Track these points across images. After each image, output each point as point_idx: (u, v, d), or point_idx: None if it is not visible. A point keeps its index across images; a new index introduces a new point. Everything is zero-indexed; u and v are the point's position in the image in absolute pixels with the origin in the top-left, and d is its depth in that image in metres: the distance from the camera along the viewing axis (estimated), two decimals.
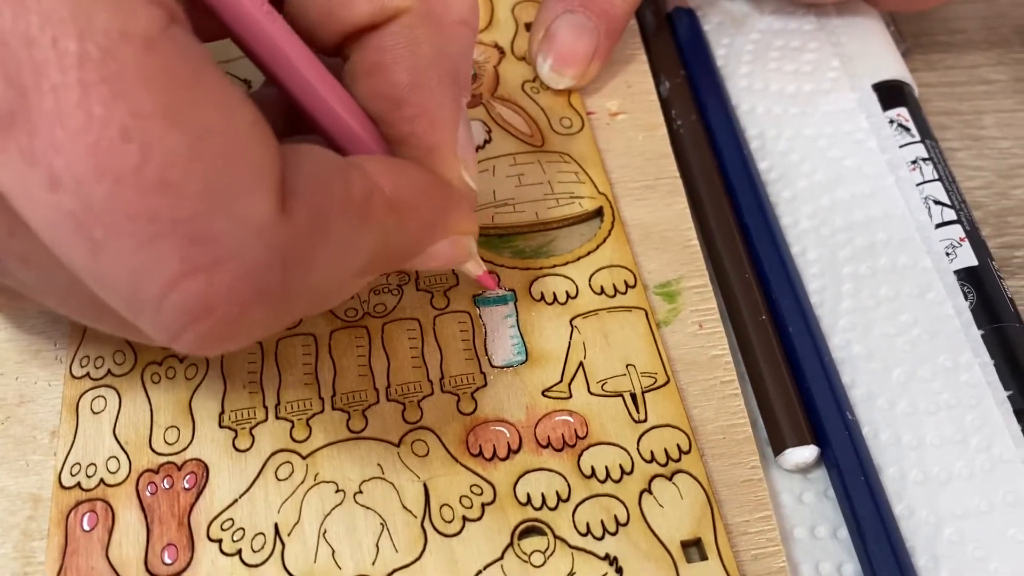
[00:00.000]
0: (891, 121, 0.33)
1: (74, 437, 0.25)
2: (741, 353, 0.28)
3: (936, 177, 0.32)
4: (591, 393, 0.26)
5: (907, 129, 0.33)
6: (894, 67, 0.35)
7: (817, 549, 0.25)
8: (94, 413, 0.25)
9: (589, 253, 0.28)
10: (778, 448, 0.26)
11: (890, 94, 0.34)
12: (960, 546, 0.25)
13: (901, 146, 0.33)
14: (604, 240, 0.29)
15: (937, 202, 0.31)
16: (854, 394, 0.28)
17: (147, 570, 0.23)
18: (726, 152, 0.32)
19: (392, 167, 0.21)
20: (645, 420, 0.25)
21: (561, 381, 0.26)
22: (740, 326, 0.29)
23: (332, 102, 0.21)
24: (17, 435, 0.25)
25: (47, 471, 0.24)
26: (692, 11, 0.37)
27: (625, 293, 0.28)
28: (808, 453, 0.26)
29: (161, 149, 0.15)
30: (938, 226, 0.31)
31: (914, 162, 0.32)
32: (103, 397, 0.25)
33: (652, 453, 0.25)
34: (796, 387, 0.27)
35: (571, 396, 0.26)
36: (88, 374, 0.26)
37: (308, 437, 0.25)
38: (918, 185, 0.32)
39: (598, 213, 0.30)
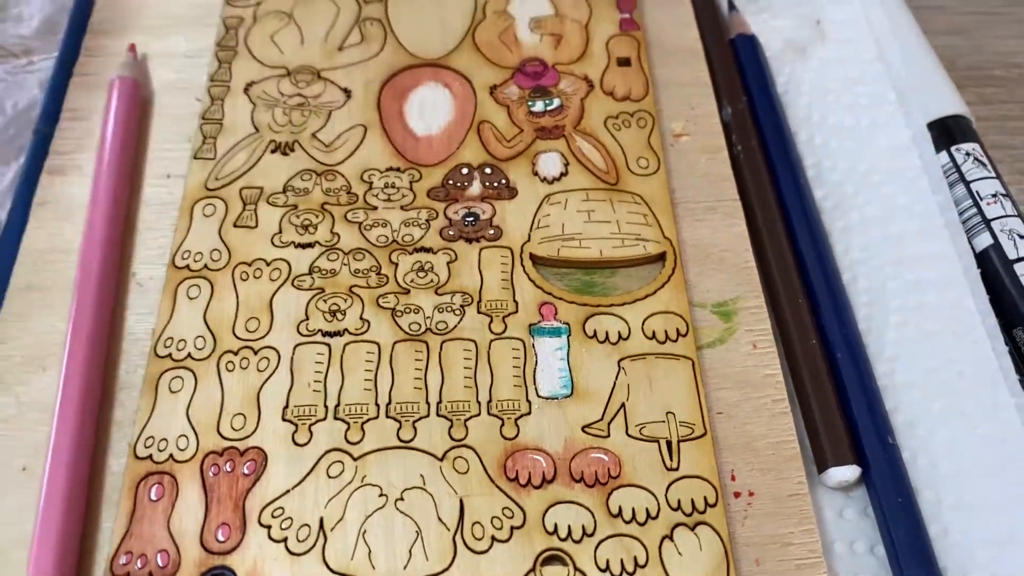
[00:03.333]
0: (968, 155, 0.34)
1: (151, 412, 0.27)
2: (791, 374, 0.29)
3: (1016, 212, 0.32)
4: (629, 435, 0.27)
5: (983, 163, 0.33)
6: (953, 102, 0.35)
7: (855, 563, 0.27)
8: (171, 392, 0.27)
9: (646, 296, 0.30)
10: (822, 466, 0.27)
11: (958, 129, 0.35)
12: (990, 569, 0.26)
13: (976, 179, 0.33)
14: (663, 285, 0.30)
15: (1022, 236, 0.32)
16: (896, 420, 0.29)
17: (202, 544, 0.25)
18: (783, 179, 0.33)
19: None
20: (677, 469, 0.26)
21: (601, 419, 0.27)
22: (791, 348, 0.30)
23: None
24: (120, 420, 0.28)
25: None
26: (754, 38, 0.37)
27: (676, 341, 0.29)
28: (850, 473, 0.27)
29: None
30: (1015, 261, 0.31)
31: (994, 195, 0.33)
32: (181, 378, 0.28)
33: (679, 502, 0.26)
34: (841, 410, 0.28)
35: (609, 435, 0.27)
36: (170, 355, 0.28)
37: (361, 440, 0.27)
38: (998, 219, 0.32)
39: (661, 257, 0.31)
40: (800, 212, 0.32)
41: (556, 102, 0.34)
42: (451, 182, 0.32)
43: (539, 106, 0.34)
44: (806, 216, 0.32)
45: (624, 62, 0.35)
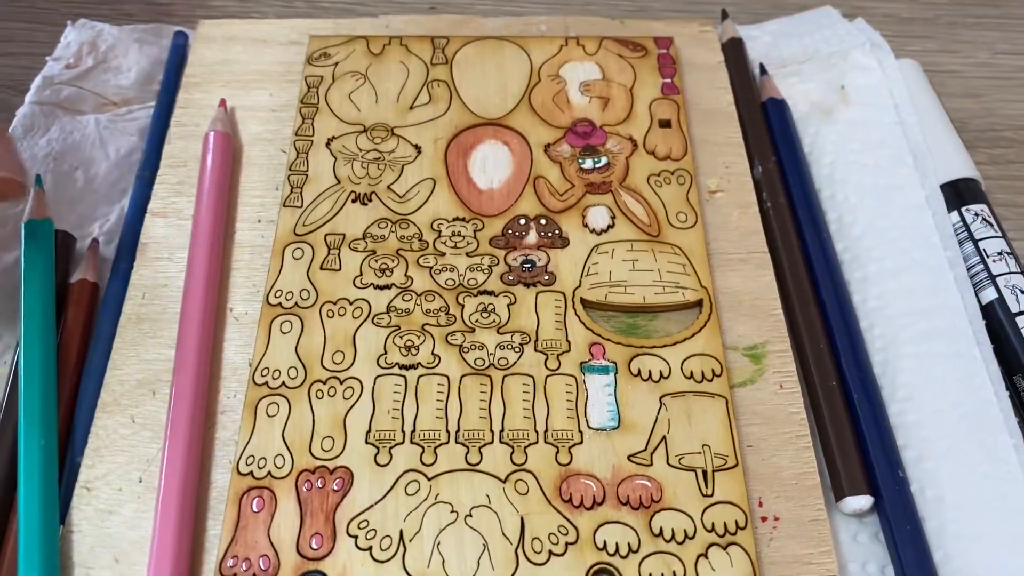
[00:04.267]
0: (976, 215, 0.37)
1: (251, 434, 0.31)
2: (812, 411, 0.33)
3: (1019, 270, 0.36)
4: (669, 464, 0.31)
5: (990, 223, 0.37)
6: (965, 166, 0.39)
7: None
8: (268, 416, 0.31)
9: (685, 340, 0.33)
10: (839, 495, 0.31)
11: (968, 191, 0.38)
12: None
13: (983, 238, 0.37)
14: (699, 330, 0.33)
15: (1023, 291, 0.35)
16: (906, 455, 0.32)
17: (298, 551, 0.29)
18: (808, 233, 0.37)
19: None
20: (712, 495, 0.30)
21: (645, 450, 0.31)
22: (813, 388, 0.33)
23: None
24: (222, 439, 0.32)
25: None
26: (783, 102, 0.41)
27: (711, 381, 0.32)
28: (864, 502, 0.31)
29: None
30: (1018, 314, 0.35)
31: (1000, 253, 0.36)
32: (276, 404, 0.32)
33: (713, 524, 0.29)
34: (857, 445, 0.32)
35: (652, 464, 0.31)
36: (267, 383, 0.32)
37: (434, 462, 0.30)
38: (1002, 275, 0.36)
39: (698, 304, 0.34)
40: (823, 264, 0.36)
41: (604, 160, 0.38)
42: (510, 231, 0.36)
43: (588, 163, 0.38)
44: (828, 267, 0.36)
45: (665, 124, 0.39)
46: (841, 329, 0.34)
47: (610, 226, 0.36)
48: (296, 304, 0.34)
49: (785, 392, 0.33)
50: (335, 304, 0.34)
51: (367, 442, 0.31)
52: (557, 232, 0.36)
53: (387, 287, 0.34)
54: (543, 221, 0.36)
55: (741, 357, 0.33)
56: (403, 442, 0.31)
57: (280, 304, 0.34)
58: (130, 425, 0.32)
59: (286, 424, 0.31)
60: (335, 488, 0.30)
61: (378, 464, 0.30)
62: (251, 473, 0.30)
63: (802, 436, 0.32)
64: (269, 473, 0.30)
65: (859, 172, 0.39)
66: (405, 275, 0.35)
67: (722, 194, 0.38)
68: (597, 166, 0.38)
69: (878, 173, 0.39)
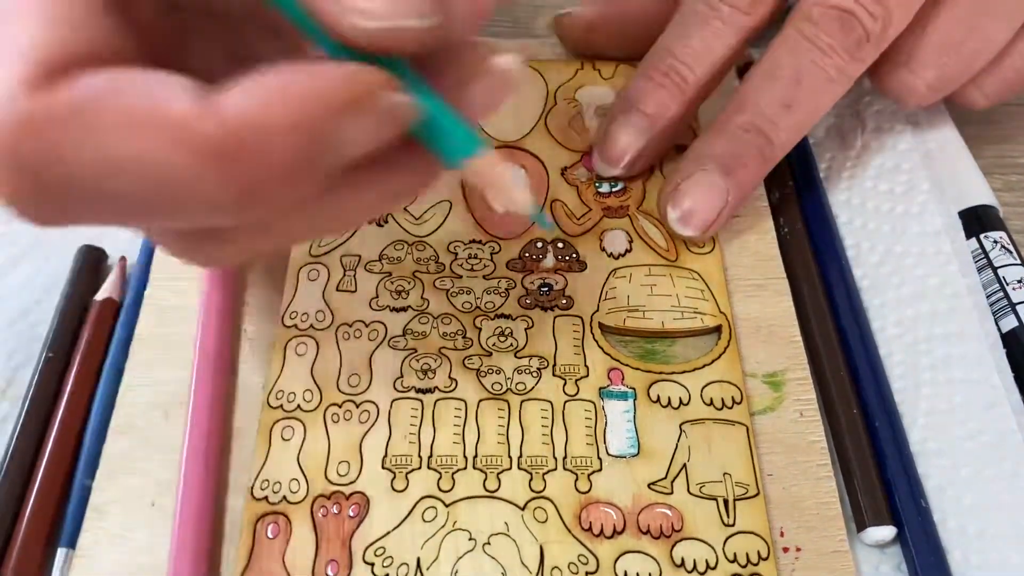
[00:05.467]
0: (995, 242, 0.37)
1: (265, 458, 0.30)
2: (833, 440, 0.32)
3: None
4: (690, 493, 0.30)
5: (1009, 251, 0.37)
6: (983, 193, 0.39)
7: None
8: (283, 440, 0.31)
9: (704, 366, 0.33)
10: (861, 525, 0.30)
11: (987, 218, 0.38)
12: None
13: (1003, 266, 0.36)
14: (719, 356, 0.33)
15: None
16: (928, 484, 0.32)
17: None
18: (826, 259, 0.37)
19: (256, 89, 0.19)
20: (733, 525, 0.29)
21: (665, 478, 0.30)
22: (834, 417, 0.33)
23: None
24: (237, 461, 0.31)
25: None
26: None
27: (731, 408, 0.32)
28: (886, 532, 0.30)
29: None
30: None
31: (1020, 281, 0.36)
32: (291, 427, 0.31)
33: (735, 555, 0.29)
34: (879, 474, 0.31)
35: (672, 492, 0.30)
36: (282, 406, 0.32)
37: (452, 488, 0.30)
38: (1023, 303, 0.35)
39: (716, 330, 0.34)
40: (842, 290, 0.36)
41: (620, 184, 0.38)
42: (527, 255, 0.36)
43: (605, 187, 0.38)
44: (847, 294, 0.36)
45: (681, 149, 0.39)
46: (861, 356, 0.34)
47: (628, 250, 0.36)
48: (312, 326, 0.34)
49: (805, 420, 0.32)
50: (351, 326, 0.34)
51: (383, 467, 0.30)
52: (574, 255, 0.36)
53: (403, 309, 0.34)
54: (560, 244, 0.36)
55: (760, 384, 0.33)
56: (420, 467, 0.30)
57: (296, 326, 0.33)
58: (143, 448, 0.31)
59: (301, 448, 0.31)
60: (351, 514, 0.29)
61: (395, 490, 0.30)
62: (266, 498, 0.30)
63: (823, 465, 0.31)
64: (284, 498, 0.30)
65: (876, 198, 0.39)
66: (421, 297, 0.34)
67: (739, 219, 0.37)
68: (614, 190, 0.38)
69: (895, 199, 0.39)
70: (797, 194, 0.39)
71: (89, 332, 0.34)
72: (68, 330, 0.34)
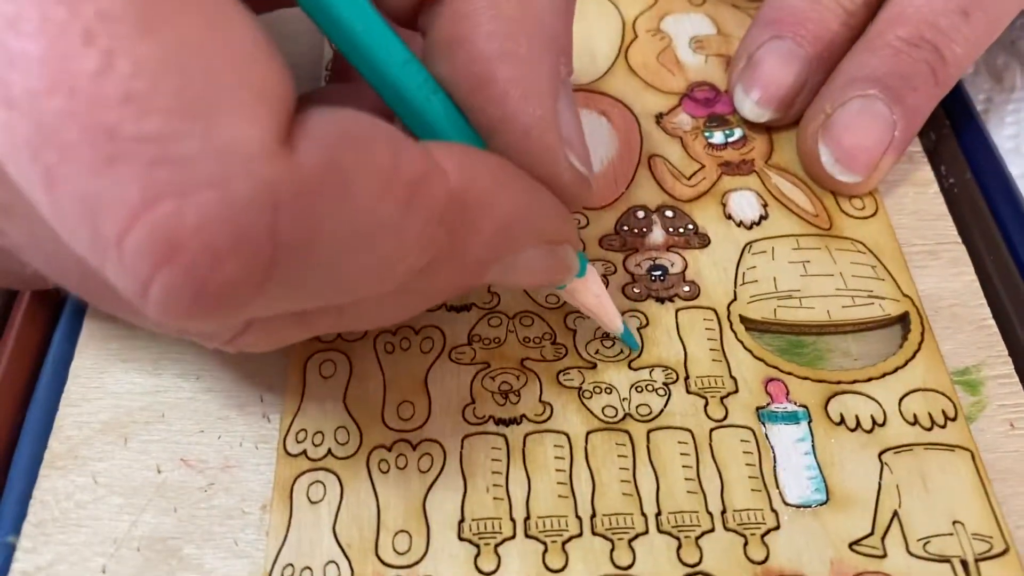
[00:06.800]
0: None
1: (287, 530, 0.21)
2: None
3: None
4: (911, 553, 0.21)
5: None
6: None
7: None
8: (311, 503, 0.21)
9: (896, 370, 0.23)
10: None
11: None
12: None
13: None
14: (914, 355, 0.24)
15: None
16: None
17: None
18: (1007, 217, 0.27)
19: (465, 153, 0.17)
20: None
21: (872, 533, 0.21)
22: None
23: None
24: (223, 507, 0.21)
25: (258, 554, 0.20)
26: None
27: (944, 427, 0.23)
28: None
29: (127, 56, 0.13)
30: None
31: None
32: (322, 483, 0.21)
33: None
34: None
35: (886, 555, 0.21)
36: (305, 452, 0.22)
37: (565, 567, 0.20)
38: None
39: (901, 319, 0.25)
40: None
41: (738, 132, 0.29)
42: (626, 228, 0.26)
43: (718, 137, 0.28)
44: None
45: None
46: None
47: (763, 217, 0.27)
48: (339, 335, 0.24)
49: (1019, 433, 0.23)
50: (394, 334, 0.24)
51: (460, 537, 0.21)
52: (691, 227, 0.26)
53: (465, 308, 0.24)
54: (669, 213, 0.27)
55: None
56: (514, 536, 0.21)
57: (318, 336, 0.24)
58: (91, 488, 0.21)
59: (337, 514, 0.21)
60: None
61: (480, 572, 0.20)
62: None
63: None
64: None
65: None
66: (489, 290, 0.25)
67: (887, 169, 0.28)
68: (730, 140, 0.28)
69: None
70: (956, 137, 0.30)
71: (19, 324, 0.24)
72: None
